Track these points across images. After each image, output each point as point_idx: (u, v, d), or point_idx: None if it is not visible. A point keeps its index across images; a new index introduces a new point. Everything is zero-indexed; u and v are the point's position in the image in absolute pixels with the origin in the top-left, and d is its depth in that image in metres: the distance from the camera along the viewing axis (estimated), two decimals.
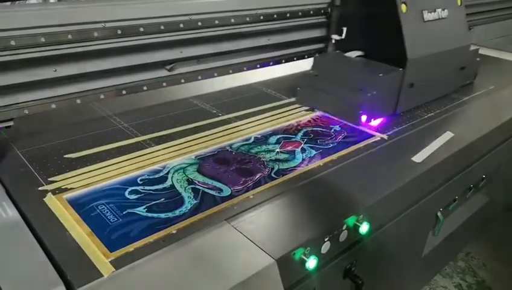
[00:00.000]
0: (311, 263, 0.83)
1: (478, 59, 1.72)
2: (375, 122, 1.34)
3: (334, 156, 1.12)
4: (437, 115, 1.42)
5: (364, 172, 1.08)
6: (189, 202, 0.91)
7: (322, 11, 1.62)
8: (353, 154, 1.14)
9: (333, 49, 1.63)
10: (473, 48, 1.66)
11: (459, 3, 1.59)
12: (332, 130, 1.27)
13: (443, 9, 1.49)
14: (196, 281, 0.71)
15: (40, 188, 0.93)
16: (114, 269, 0.71)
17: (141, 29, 1.15)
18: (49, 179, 0.96)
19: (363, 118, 1.29)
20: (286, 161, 1.09)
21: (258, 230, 0.83)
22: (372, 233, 0.96)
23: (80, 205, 0.88)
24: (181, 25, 1.22)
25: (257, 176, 1.02)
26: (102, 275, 0.70)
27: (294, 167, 1.07)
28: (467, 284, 2.02)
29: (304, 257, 0.82)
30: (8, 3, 1.17)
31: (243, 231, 0.83)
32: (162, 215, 0.86)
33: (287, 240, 0.82)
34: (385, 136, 1.25)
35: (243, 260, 0.76)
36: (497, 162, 1.60)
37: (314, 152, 1.14)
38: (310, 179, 1.02)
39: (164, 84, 1.25)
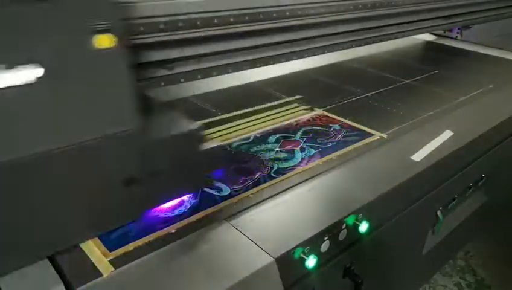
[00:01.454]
0: (311, 262, 0.83)
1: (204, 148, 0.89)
2: None
3: (333, 155, 1.12)
4: (436, 114, 1.42)
5: (363, 171, 1.08)
6: (188, 201, 0.91)
7: None
8: (352, 153, 1.14)
9: None
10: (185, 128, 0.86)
11: (103, 45, 0.67)
12: (332, 129, 1.27)
13: (43, 64, 0.63)
14: (195, 280, 0.71)
15: None
16: (113, 269, 0.71)
17: (141, 28, 1.14)
18: None
19: None
20: (285, 160, 1.09)
21: (257, 229, 0.83)
22: (371, 232, 0.97)
23: None
24: (181, 24, 1.22)
25: (256, 175, 1.02)
26: (101, 275, 0.70)
27: (294, 166, 1.07)
28: (466, 283, 2.03)
29: (304, 256, 0.82)
30: None
31: (242, 230, 0.83)
32: (162, 214, 0.86)
33: (286, 239, 0.82)
34: (384, 135, 1.25)
35: (242, 259, 0.76)
36: (496, 161, 1.60)
37: (313, 151, 1.14)
38: (310, 178, 1.02)
39: (162, 83, 1.25)
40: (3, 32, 0.59)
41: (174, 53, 1.17)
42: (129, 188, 0.76)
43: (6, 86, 0.60)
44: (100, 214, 0.77)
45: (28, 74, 0.62)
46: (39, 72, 0.62)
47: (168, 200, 0.87)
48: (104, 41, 0.68)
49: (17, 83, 0.61)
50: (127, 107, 0.73)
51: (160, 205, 0.86)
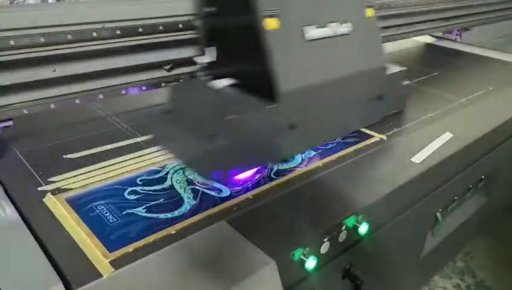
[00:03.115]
0: (311, 263, 0.83)
1: (406, 82, 1.38)
2: (245, 175, 1.02)
3: (333, 157, 1.12)
4: (436, 116, 1.43)
5: (363, 172, 1.08)
6: (188, 202, 0.91)
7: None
8: (352, 154, 1.14)
9: (204, 75, 1.19)
10: (394, 70, 1.31)
11: (368, 15, 1.21)
12: None
13: (342, 23, 1.11)
14: (195, 282, 0.71)
15: (39, 189, 0.93)
16: (113, 270, 0.71)
17: (140, 30, 1.15)
18: (48, 180, 0.96)
19: (219, 173, 0.95)
20: (285, 161, 1.09)
21: (257, 230, 0.83)
22: (371, 233, 0.97)
23: (79, 206, 0.88)
24: (180, 26, 1.22)
25: (256, 177, 1.02)
26: (101, 276, 0.70)
27: (294, 167, 1.07)
28: (466, 285, 2.03)
29: (303, 257, 0.82)
30: (7, 3, 1.17)
31: (242, 231, 0.83)
32: (162, 215, 0.86)
33: (286, 241, 0.82)
34: (384, 137, 1.25)
35: (242, 260, 0.76)
36: (496, 162, 1.60)
37: (313, 153, 1.14)
38: (309, 180, 1.02)
39: (163, 84, 1.25)
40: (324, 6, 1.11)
41: None
42: (376, 102, 1.27)
43: (318, 37, 1.07)
44: (362, 116, 1.28)
45: (342, 28, 1.13)
46: (349, 27, 1.14)
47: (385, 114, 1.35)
48: (370, 12, 1.23)
49: (327, 35, 1.09)
50: (380, 52, 1.27)
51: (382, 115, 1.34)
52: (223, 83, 1.08)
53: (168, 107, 1.08)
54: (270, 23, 0.96)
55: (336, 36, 1.11)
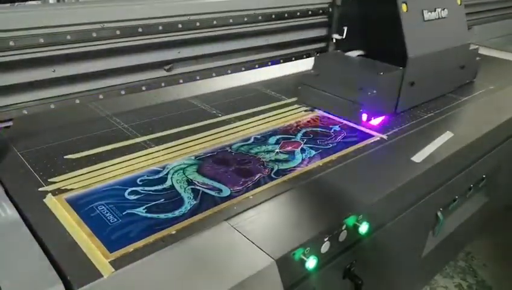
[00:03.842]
0: (311, 263, 0.83)
1: (478, 58, 1.74)
2: (376, 121, 1.34)
3: (333, 156, 1.12)
4: (437, 115, 1.42)
5: (363, 172, 1.08)
6: (188, 202, 0.91)
7: (321, 11, 1.64)
8: (353, 154, 1.14)
9: (334, 49, 1.64)
10: (472, 47, 1.68)
11: (458, 3, 1.62)
12: (332, 130, 1.27)
13: (443, 9, 1.51)
14: (196, 282, 0.71)
15: (40, 189, 0.93)
16: (114, 270, 0.71)
17: (140, 30, 1.15)
18: (48, 180, 0.96)
19: (364, 116, 1.30)
20: (286, 161, 1.09)
21: (257, 230, 0.83)
22: (371, 233, 0.96)
23: (80, 206, 0.88)
24: (179, 26, 1.22)
25: (257, 177, 1.02)
26: (102, 276, 0.70)
27: (294, 167, 1.07)
28: (467, 284, 2.03)
29: (304, 257, 0.82)
30: (8, 4, 1.17)
31: (242, 231, 0.83)
32: (162, 215, 0.86)
33: (286, 240, 0.82)
34: (385, 136, 1.25)
35: (243, 260, 0.76)
36: (497, 162, 1.60)
37: (313, 152, 1.14)
38: (310, 179, 1.02)
39: (163, 84, 1.26)
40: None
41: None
42: (462, 71, 1.65)
43: (431, 18, 1.46)
44: (454, 80, 1.65)
45: (443, 12, 1.52)
46: (444, 12, 1.52)
47: (465, 81, 1.73)
48: (460, 0, 1.61)
49: (435, 17, 1.49)
50: (466, 32, 1.65)
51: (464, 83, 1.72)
52: (356, 53, 1.50)
53: (316, 72, 1.43)
54: (404, 7, 1.36)
55: (440, 18, 1.51)
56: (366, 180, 1.05)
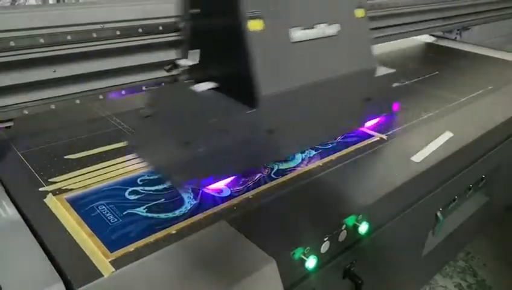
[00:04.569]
0: (311, 262, 0.83)
1: (397, 84, 1.35)
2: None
3: (333, 156, 1.12)
4: (436, 115, 1.43)
5: (363, 172, 1.08)
6: (188, 202, 0.91)
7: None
8: (352, 154, 1.14)
9: (186, 78, 1.16)
10: (384, 71, 1.27)
11: (359, 15, 1.16)
12: None
13: (330, 25, 1.08)
14: (196, 281, 0.71)
15: (40, 189, 0.93)
16: (114, 269, 0.72)
17: (140, 30, 1.15)
18: (49, 180, 0.96)
19: (192, 183, 0.94)
20: (286, 161, 1.09)
21: (257, 230, 0.83)
22: (371, 233, 0.97)
23: (80, 206, 0.88)
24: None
25: (257, 176, 1.02)
26: (102, 275, 0.70)
27: (294, 167, 1.07)
28: (467, 284, 2.03)
29: (304, 257, 0.82)
30: (8, 4, 1.17)
31: (242, 230, 0.83)
32: (162, 215, 0.86)
33: (286, 240, 0.82)
34: (384, 136, 1.25)
35: (243, 260, 0.76)
36: (496, 162, 1.60)
37: (313, 152, 1.14)
38: (310, 179, 1.02)
39: (163, 84, 1.25)
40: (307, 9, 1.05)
41: None
42: (364, 104, 1.23)
43: (304, 38, 1.03)
44: (350, 115, 1.24)
45: (329, 30, 1.09)
46: (338, 28, 1.10)
47: (373, 118, 1.32)
48: (361, 13, 1.17)
49: (313, 36, 1.05)
50: (370, 54, 1.20)
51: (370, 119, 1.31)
52: (204, 86, 1.05)
53: (147, 112, 1.02)
54: (254, 25, 0.93)
55: (322, 38, 1.06)
56: (366, 180, 1.05)
